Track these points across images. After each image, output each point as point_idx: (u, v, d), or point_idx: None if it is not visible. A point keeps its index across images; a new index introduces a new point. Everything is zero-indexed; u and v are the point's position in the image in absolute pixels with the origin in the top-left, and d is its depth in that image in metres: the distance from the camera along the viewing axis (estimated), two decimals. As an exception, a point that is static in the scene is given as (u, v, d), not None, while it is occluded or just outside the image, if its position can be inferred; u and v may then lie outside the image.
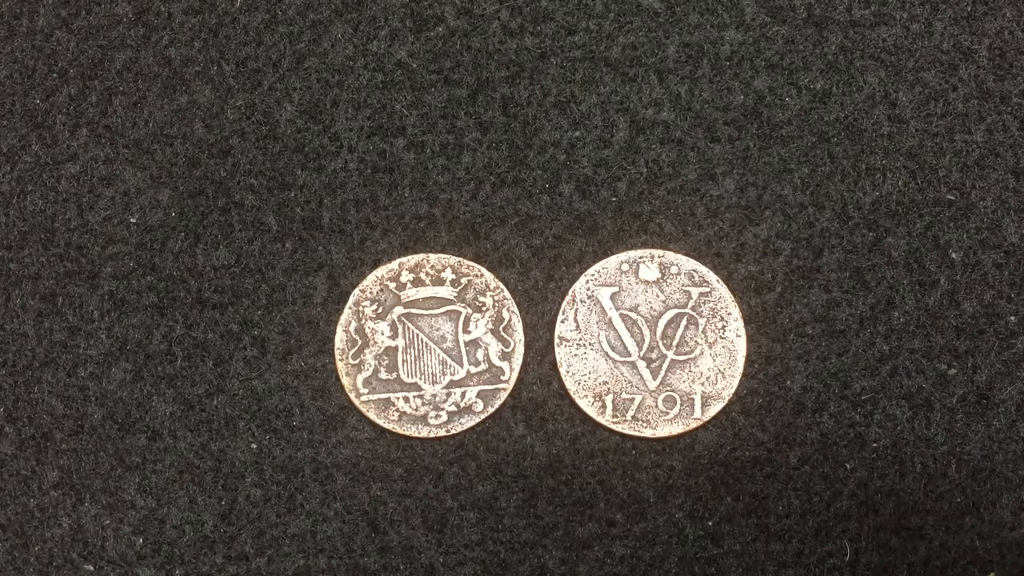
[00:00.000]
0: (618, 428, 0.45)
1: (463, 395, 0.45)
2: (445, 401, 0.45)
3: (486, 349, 0.45)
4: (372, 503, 0.46)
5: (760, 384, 0.46)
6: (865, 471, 0.45)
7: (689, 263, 0.46)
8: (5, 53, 0.48)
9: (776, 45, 0.47)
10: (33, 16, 0.48)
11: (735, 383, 0.45)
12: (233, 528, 0.46)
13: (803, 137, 0.46)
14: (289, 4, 0.48)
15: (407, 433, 0.45)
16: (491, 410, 0.45)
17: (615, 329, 0.45)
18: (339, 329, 0.46)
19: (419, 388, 0.45)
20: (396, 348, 0.45)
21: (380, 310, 0.46)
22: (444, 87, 0.47)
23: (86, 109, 0.47)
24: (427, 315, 0.46)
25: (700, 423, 0.45)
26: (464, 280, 0.46)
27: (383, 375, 0.45)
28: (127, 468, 0.46)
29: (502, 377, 0.45)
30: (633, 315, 0.45)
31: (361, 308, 0.46)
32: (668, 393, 0.45)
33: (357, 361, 0.46)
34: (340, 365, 0.46)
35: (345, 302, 0.46)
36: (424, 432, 0.45)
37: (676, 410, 0.45)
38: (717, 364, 0.45)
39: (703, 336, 0.45)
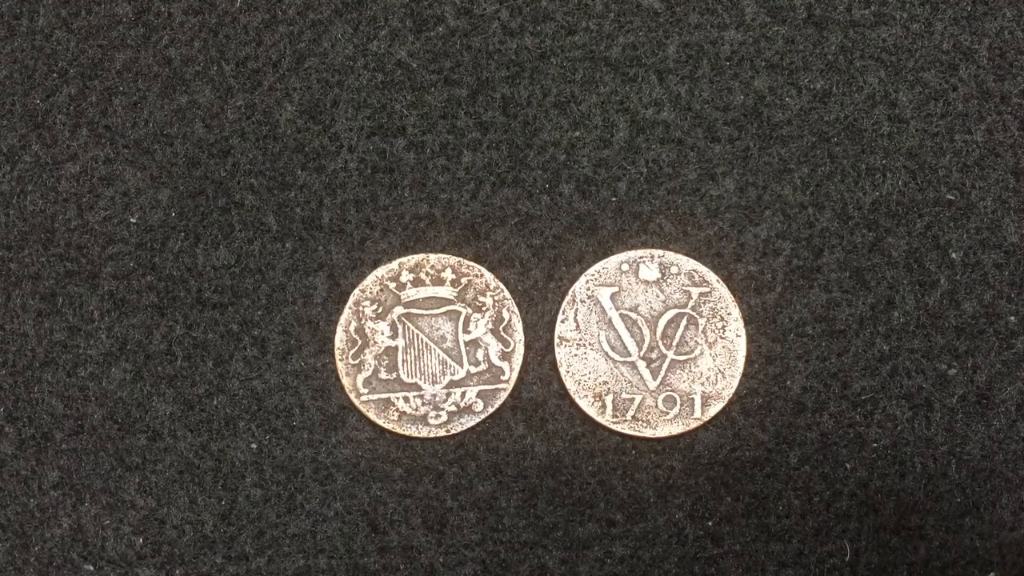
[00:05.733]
0: (618, 428, 0.45)
1: (463, 395, 0.45)
2: (445, 401, 0.45)
3: (486, 349, 0.45)
4: (372, 503, 0.46)
5: (760, 384, 0.46)
6: (865, 471, 0.45)
7: (689, 263, 0.46)
8: (5, 53, 0.48)
9: (776, 45, 0.47)
10: (33, 16, 0.48)
11: (735, 383, 0.45)
12: (233, 528, 0.46)
13: (803, 137, 0.46)
14: (289, 4, 0.48)
15: (407, 433, 0.45)
16: (491, 410, 0.45)
17: (615, 329, 0.45)
18: (339, 329, 0.46)
19: (419, 388, 0.45)
20: (396, 348, 0.46)
21: (380, 310, 0.46)
22: (444, 87, 0.47)
23: (86, 109, 0.47)
24: (427, 315, 0.46)
25: (700, 423, 0.45)
26: (464, 280, 0.46)
27: (383, 375, 0.45)
28: (127, 468, 0.46)
29: (502, 377, 0.45)
30: (633, 315, 0.45)
31: (361, 308, 0.46)
32: (668, 393, 0.45)
33: (357, 361, 0.46)
34: (340, 365, 0.46)
35: (345, 302, 0.46)
36: (424, 432, 0.45)
37: (676, 410, 0.45)
38: (717, 364, 0.45)
39: (703, 336, 0.45)
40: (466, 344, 0.46)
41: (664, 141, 0.46)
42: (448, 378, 0.45)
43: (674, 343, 0.45)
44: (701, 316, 0.45)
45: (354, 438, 0.46)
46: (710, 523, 0.45)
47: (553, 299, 0.46)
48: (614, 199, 0.46)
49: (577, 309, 0.45)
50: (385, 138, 0.47)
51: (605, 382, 0.45)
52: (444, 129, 0.47)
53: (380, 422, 0.45)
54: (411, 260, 0.46)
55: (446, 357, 0.45)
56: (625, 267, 0.46)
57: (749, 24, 0.47)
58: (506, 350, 0.45)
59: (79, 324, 0.47)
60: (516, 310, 0.46)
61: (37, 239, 0.47)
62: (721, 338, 0.45)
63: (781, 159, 0.46)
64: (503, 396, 0.45)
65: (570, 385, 0.45)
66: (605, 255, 0.46)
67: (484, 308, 0.46)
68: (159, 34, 0.48)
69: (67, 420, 0.46)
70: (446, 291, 0.46)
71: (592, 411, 0.45)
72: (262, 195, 0.47)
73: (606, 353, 0.45)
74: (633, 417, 0.45)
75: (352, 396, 0.45)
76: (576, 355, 0.45)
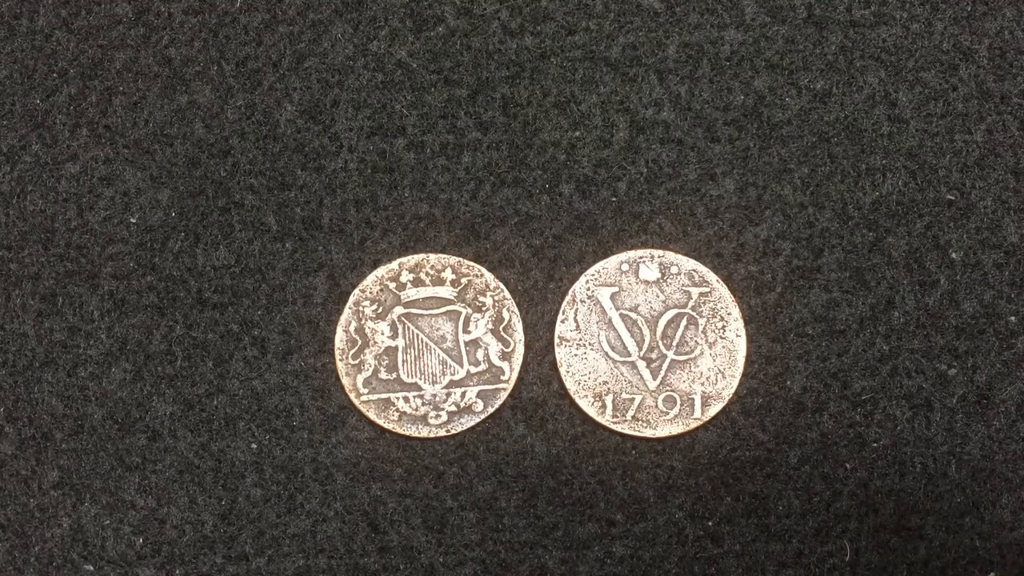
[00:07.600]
0: (618, 428, 0.45)
1: (463, 395, 0.45)
2: (445, 401, 0.45)
3: (486, 349, 0.45)
4: (372, 503, 0.46)
5: (760, 384, 0.46)
6: (865, 471, 0.45)
7: (689, 263, 0.46)
8: (5, 53, 0.48)
9: (776, 45, 0.47)
10: (33, 16, 0.48)
11: (735, 383, 0.45)
12: (233, 528, 0.46)
13: (803, 137, 0.46)
14: (289, 4, 0.48)
15: (407, 433, 0.45)
16: (491, 410, 0.45)
17: (615, 329, 0.45)
18: (339, 329, 0.46)
19: (419, 388, 0.45)
20: (396, 348, 0.46)
21: (380, 310, 0.46)
22: (444, 87, 0.47)
23: (86, 109, 0.47)
24: (427, 315, 0.46)
25: (700, 423, 0.45)
26: (464, 280, 0.46)
27: (383, 375, 0.45)
28: (127, 468, 0.46)
29: (502, 377, 0.45)
30: (633, 315, 0.45)
31: (361, 308, 0.46)
32: (668, 393, 0.45)
33: (357, 361, 0.46)
34: (340, 365, 0.46)
35: (345, 302, 0.46)
36: (424, 432, 0.45)
37: (676, 410, 0.45)
38: (717, 364, 0.45)
39: (703, 336, 0.45)
40: (466, 344, 0.46)
41: (664, 141, 0.46)
42: (448, 378, 0.45)
43: (674, 343, 0.45)
44: (701, 316, 0.45)
45: (354, 438, 0.46)
46: (710, 523, 0.45)
47: (553, 299, 0.46)
48: (614, 199, 0.46)
49: (577, 309, 0.45)
50: (385, 138, 0.47)
51: (605, 382, 0.45)
52: (444, 129, 0.47)
53: (380, 422, 0.45)
54: (411, 260, 0.46)
55: (446, 357, 0.46)
56: (625, 267, 0.46)
57: (749, 24, 0.47)
58: (506, 350, 0.45)
59: (79, 324, 0.47)
60: (516, 310, 0.46)
61: (37, 239, 0.47)
62: (721, 338, 0.45)
63: (781, 159, 0.46)
64: (503, 396, 0.45)
65: (570, 385, 0.45)
66: (605, 255, 0.46)
67: (484, 308, 0.46)
68: (159, 34, 0.48)
69: (67, 420, 0.46)
70: (446, 291, 0.46)
71: (592, 411, 0.45)
72: (262, 195, 0.47)
73: (606, 353, 0.45)
74: (633, 417, 0.45)
75: (352, 396, 0.45)
76: (576, 355, 0.45)
